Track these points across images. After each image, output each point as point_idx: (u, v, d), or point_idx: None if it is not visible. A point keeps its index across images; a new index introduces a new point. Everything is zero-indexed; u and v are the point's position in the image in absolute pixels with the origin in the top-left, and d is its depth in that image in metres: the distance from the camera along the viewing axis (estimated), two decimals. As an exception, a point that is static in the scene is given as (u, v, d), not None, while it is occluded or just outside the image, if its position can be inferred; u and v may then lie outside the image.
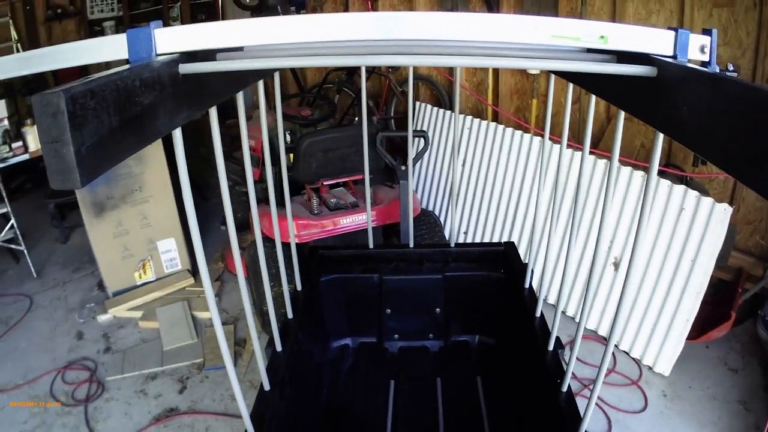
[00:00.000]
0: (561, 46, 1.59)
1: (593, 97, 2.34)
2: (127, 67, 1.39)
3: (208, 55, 1.70)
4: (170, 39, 1.55)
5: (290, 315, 3.31)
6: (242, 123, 2.34)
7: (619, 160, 5.15)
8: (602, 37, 1.51)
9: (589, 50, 1.65)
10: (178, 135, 1.66)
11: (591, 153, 5.43)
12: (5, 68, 1.67)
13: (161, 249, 6.78)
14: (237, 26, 1.56)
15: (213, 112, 1.93)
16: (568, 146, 5.49)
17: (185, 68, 1.56)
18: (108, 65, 1.57)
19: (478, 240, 6.79)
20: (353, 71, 9.40)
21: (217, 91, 1.87)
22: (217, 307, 2.04)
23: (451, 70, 7.78)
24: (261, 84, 2.54)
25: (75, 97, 1.13)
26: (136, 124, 1.36)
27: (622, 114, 2.04)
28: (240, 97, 2.23)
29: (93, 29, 13.45)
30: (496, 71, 7.33)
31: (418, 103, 7.98)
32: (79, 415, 5.09)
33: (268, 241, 4.59)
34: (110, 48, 1.56)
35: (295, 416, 3.02)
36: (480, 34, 1.50)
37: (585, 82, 2.18)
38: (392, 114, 8.93)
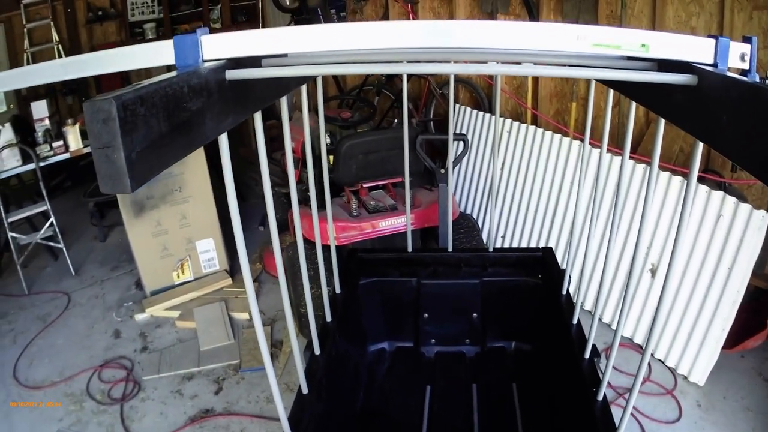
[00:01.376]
0: (602, 54, 1.59)
1: (633, 103, 2.34)
2: (174, 73, 1.40)
3: (254, 61, 1.71)
4: (217, 45, 1.56)
5: (329, 318, 3.32)
6: (285, 127, 2.35)
7: (658, 166, 5.15)
8: (643, 45, 1.50)
9: (630, 57, 1.65)
10: (224, 140, 1.68)
11: (630, 158, 5.42)
12: (54, 73, 1.68)
13: (200, 249, 6.83)
14: (282, 34, 1.57)
15: (258, 117, 1.94)
16: (607, 150, 5.47)
17: (232, 74, 1.58)
18: (149, 70, 1.59)
19: (515, 243, 6.77)
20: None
21: (261, 96, 1.89)
22: (250, 309, 2.05)
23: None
24: (304, 88, 2.56)
25: (126, 103, 1.15)
26: (184, 130, 1.37)
27: (663, 121, 2.03)
28: (284, 101, 2.25)
29: (134, 31, 13.57)
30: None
31: (457, 106, 7.97)
32: (115, 413, 5.14)
33: (308, 243, 4.61)
34: (157, 54, 1.57)
35: (332, 419, 3.02)
36: (522, 43, 1.50)
37: (625, 88, 2.17)
38: (431, 116, 8.91)
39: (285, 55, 1.78)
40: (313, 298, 3.61)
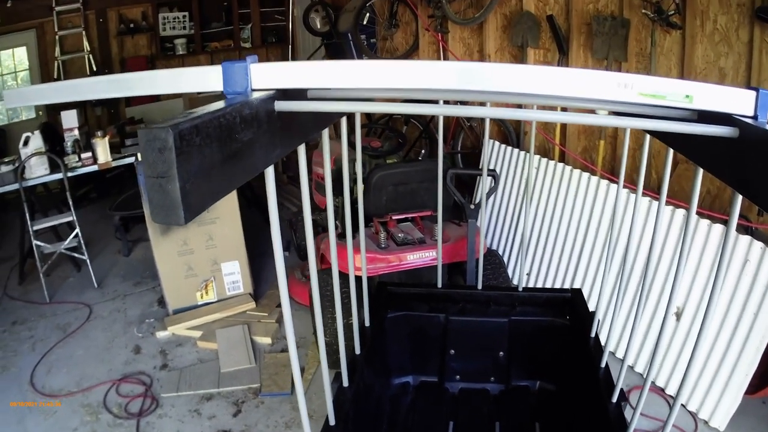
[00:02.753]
0: (645, 102, 1.59)
1: (670, 150, 2.33)
2: (222, 103, 1.39)
3: (300, 92, 1.71)
4: (266, 75, 1.56)
5: (357, 350, 3.32)
6: (326, 157, 2.34)
7: (684, 207, 5.12)
8: (687, 96, 1.50)
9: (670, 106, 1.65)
10: (270, 172, 1.68)
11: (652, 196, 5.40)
12: (103, 89, 1.70)
13: (225, 271, 6.84)
14: (329, 68, 1.57)
15: (302, 150, 1.94)
16: (626, 186, 5.43)
17: (281, 105, 1.58)
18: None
19: (540, 282, 6.72)
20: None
21: (306, 127, 1.89)
22: (280, 334, 2.05)
23: (520, 106, 7.76)
24: (344, 120, 2.57)
25: (182, 133, 1.14)
26: (236, 161, 1.37)
27: (701, 171, 2.03)
28: (325, 133, 2.25)
29: (164, 46, 13.75)
30: (564, 110, 7.31)
31: (486, 140, 7.94)
32: (131, 428, 5.14)
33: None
34: (205, 79, 1.59)
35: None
36: (565, 90, 1.50)
37: (664, 136, 2.17)
38: (459, 148, 8.91)
39: (329, 88, 1.78)
40: (335, 328, 3.60)
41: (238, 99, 1.47)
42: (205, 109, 1.30)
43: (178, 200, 1.15)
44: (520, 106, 1.95)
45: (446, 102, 2.25)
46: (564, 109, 4.93)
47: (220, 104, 1.37)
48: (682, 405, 5.13)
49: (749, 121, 1.47)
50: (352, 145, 4.21)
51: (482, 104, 2.52)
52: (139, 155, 6.42)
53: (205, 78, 1.59)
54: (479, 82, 1.51)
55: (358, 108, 1.76)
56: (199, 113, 1.25)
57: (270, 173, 1.68)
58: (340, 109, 1.77)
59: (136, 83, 1.66)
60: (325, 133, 2.23)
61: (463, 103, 3.50)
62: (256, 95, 1.53)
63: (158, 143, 1.12)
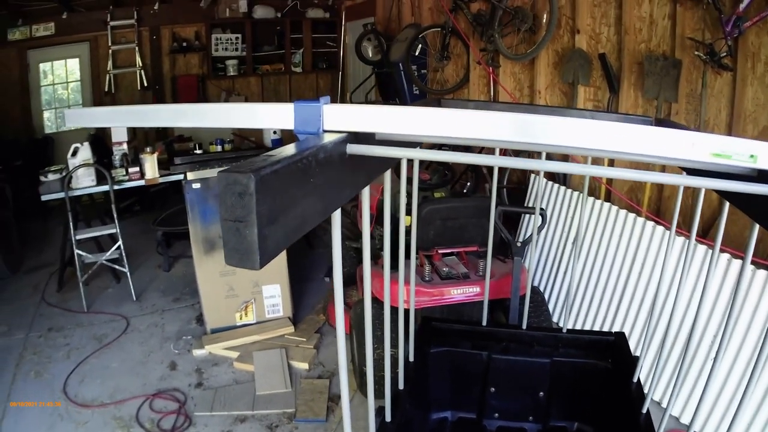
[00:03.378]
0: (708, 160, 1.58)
1: (726, 203, 2.32)
2: (301, 146, 1.39)
3: (368, 135, 1.72)
4: (338, 117, 1.58)
5: (401, 386, 3.31)
6: (387, 198, 2.34)
7: (730, 252, 5.08)
8: (752, 156, 1.50)
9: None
10: (337, 216, 1.68)
11: (701, 242, 5.36)
12: (167, 118, 1.72)
13: (265, 294, 6.87)
14: (399, 114, 1.58)
15: (366, 192, 1.95)
16: (678, 233, 5.40)
17: (353, 149, 1.59)
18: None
19: (580, 323, 6.69)
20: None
21: (372, 169, 1.90)
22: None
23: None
24: (405, 161, 2.57)
25: (264, 178, 1.15)
26: (309, 204, 1.38)
27: (757, 227, 2.02)
28: (387, 174, 2.25)
29: (216, 66, 13.90)
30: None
31: (532, 176, 7.97)
32: (162, 444, 5.15)
33: (376, 302, 4.59)
34: (278, 117, 1.61)
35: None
36: (632, 148, 1.50)
37: (721, 191, 2.17)
38: (505, 183, 8.90)
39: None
40: (377, 359, 3.59)
41: (312, 141, 1.48)
42: (282, 152, 1.31)
43: (255, 245, 1.16)
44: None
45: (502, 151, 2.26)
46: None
47: (295, 147, 1.38)
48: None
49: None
50: (408, 180, 4.25)
51: (538, 155, 2.51)
52: (188, 174, 6.45)
53: (278, 115, 1.61)
54: (544, 136, 1.51)
55: (425, 156, 1.76)
56: (278, 158, 1.26)
57: (337, 216, 1.68)
58: (407, 155, 1.77)
59: (209, 115, 1.69)
60: (388, 174, 2.24)
61: (519, 151, 3.52)
62: (327, 137, 1.54)
63: (239, 188, 1.13)
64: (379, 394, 3.05)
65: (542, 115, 1.54)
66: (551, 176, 7.96)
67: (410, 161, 3.26)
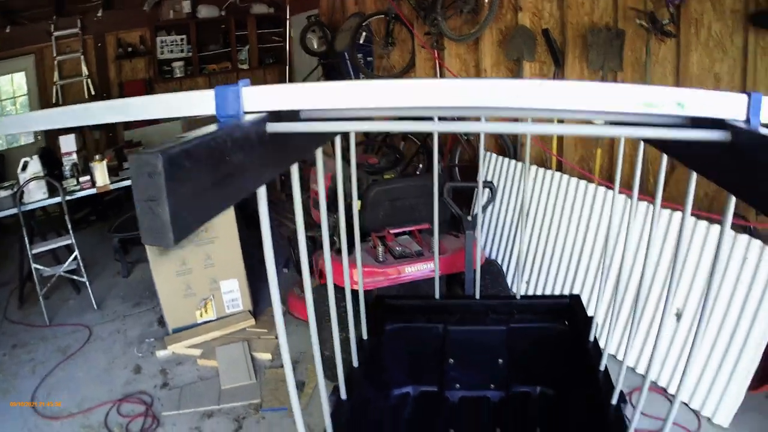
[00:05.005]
0: (636, 111, 1.59)
1: (664, 156, 2.34)
2: (216, 127, 1.41)
3: (292, 113, 1.72)
4: (257, 98, 1.57)
5: (355, 364, 3.32)
6: (320, 177, 2.35)
7: (677, 208, 5.15)
8: (680, 104, 1.51)
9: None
10: (262, 192, 1.69)
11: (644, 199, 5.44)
12: (96, 115, 1.71)
13: (223, 289, 6.86)
14: (322, 89, 1.59)
15: (294, 170, 1.95)
16: (625, 194, 5.45)
17: (272, 127, 1.58)
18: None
19: (540, 289, 6.76)
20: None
21: (298, 148, 1.90)
22: (280, 350, 2.06)
23: (516, 119, 7.79)
24: (338, 138, 2.57)
25: (172, 157, 1.16)
26: (226, 183, 1.38)
27: (695, 175, 2.04)
28: (319, 152, 2.26)
29: (162, 69, 13.83)
30: (560, 119, 7.31)
31: (482, 152, 7.97)
32: (132, 447, 5.13)
33: (333, 287, 4.61)
34: (198, 104, 1.59)
35: (356, 466, 3.02)
36: (561, 103, 1.51)
37: (657, 142, 2.18)
38: (456, 162, 8.93)
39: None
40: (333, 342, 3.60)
41: (230, 122, 1.48)
42: (196, 133, 1.32)
43: (168, 223, 1.16)
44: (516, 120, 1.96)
45: (441, 118, 2.26)
46: (561, 122, 4.97)
47: (211, 128, 1.38)
48: (685, 403, 5.15)
49: (741, 125, 1.48)
50: (348, 161, 4.25)
51: (477, 119, 2.53)
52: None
53: (199, 102, 1.59)
54: (472, 99, 1.52)
55: (350, 128, 1.77)
56: (190, 138, 1.27)
57: (262, 193, 1.69)
58: (331, 129, 1.77)
59: (132, 109, 1.67)
60: (319, 152, 2.24)
61: (459, 118, 3.53)
62: (248, 118, 1.54)
63: (148, 168, 1.14)
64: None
65: (470, 79, 1.55)
66: (501, 151, 8.01)
67: (359, 145, 3.27)
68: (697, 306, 5.04)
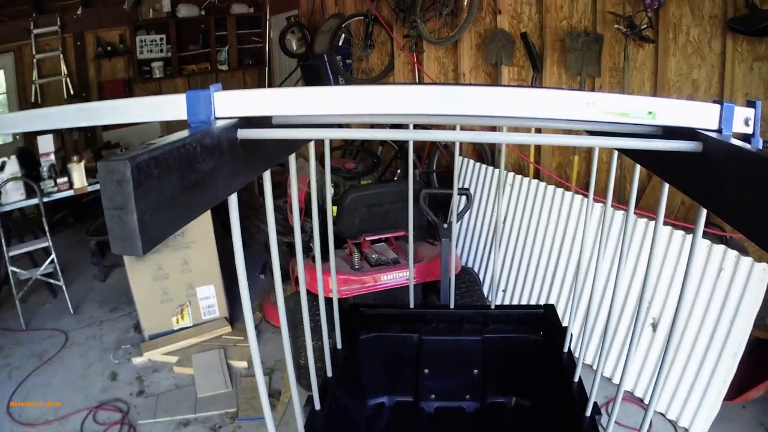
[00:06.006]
0: (610, 120, 1.59)
1: (637, 165, 2.34)
2: (187, 132, 1.40)
3: (264, 119, 1.71)
4: (229, 103, 1.56)
5: (329, 373, 3.31)
6: (293, 181, 2.35)
7: (651, 217, 5.16)
8: (650, 113, 1.51)
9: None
10: (233, 200, 1.68)
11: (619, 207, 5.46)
12: (67, 118, 1.70)
13: (200, 295, 6.82)
14: (294, 95, 1.57)
15: (267, 176, 1.94)
16: (600, 202, 5.47)
17: (243, 134, 1.58)
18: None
19: (516, 298, 6.76)
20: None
21: (271, 153, 1.89)
22: (257, 357, 2.05)
23: (494, 127, 7.80)
24: (312, 144, 2.56)
25: (140, 165, 1.15)
26: (197, 190, 1.37)
27: (667, 186, 2.04)
28: (292, 158, 2.25)
29: (141, 69, 13.79)
30: (538, 130, 7.33)
31: (460, 158, 7.97)
32: (109, 457, 5.08)
33: (308, 294, 4.58)
34: (170, 108, 1.58)
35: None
36: (532, 111, 1.51)
37: (630, 153, 2.18)
38: (434, 168, 8.93)
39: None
40: (313, 350, 3.59)
41: (201, 128, 1.46)
42: (165, 139, 1.31)
43: (136, 232, 1.16)
44: (494, 129, 1.96)
45: (417, 126, 2.26)
46: (539, 131, 4.97)
47: (181, 134, 1.37)
48: (661, 414, 5.16)
49: (713, 135, 1.49)
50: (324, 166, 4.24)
51: (453, 128, 2.53)
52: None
53: (171, 107, 1.58)
54: (445, 106, 1.52)
55: (322, 135, 1.76)
56: (159, 144, 1.26)
57: (233, 201, 1.68)
58: (303, 136, 1.77)
59: (103, 112, 1.66)
60: (292, 158, 2.23)
61: (434, 126, 3.53)
62: (219, 123, 1.53)
63: (116, 175, 1.13)
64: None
65: (445, 85, 1.54)
66: (479, 157, 8.02)
67: (331, 150, 3.25)
68: (671, 318, 5.06)
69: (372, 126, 2.10)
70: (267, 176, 1.95)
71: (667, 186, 2.05)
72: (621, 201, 6.03)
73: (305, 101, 1.58)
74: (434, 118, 1.73)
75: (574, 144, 1.70)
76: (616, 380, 5.53)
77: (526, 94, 1.51)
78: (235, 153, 1.57)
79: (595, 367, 5.17)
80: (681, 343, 5.00)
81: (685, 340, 5.00)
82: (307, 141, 2.46)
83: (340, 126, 1.83)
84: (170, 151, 1.27)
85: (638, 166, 2.39)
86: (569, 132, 3.59)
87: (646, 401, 5.23)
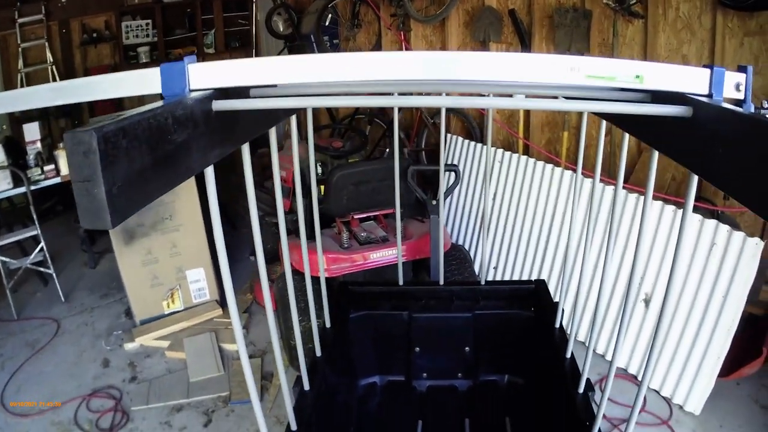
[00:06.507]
0: (596, 85, 1.56)
1: (626, 134, 2.30)
2: (160, 103, 1.36)
3: (242, 91, 1.68)
4: (204, 75, 1.53)
5: (318, 353, 3.27)
6: (274, 157, 2.32)
7: (641, 192, 5.13)
8: (638, 76, 1.48)
9: (624, 88, 1.62)
10: (210, 173, 1.64)
11: (622, 187, 5.40)
12: (41, 98, 1.66)
13: (190, 278, 6.79)
14: (271, 63, 1.53)
15: (245, 149, 1.91)
16: (600, 180, 5.43)
17: (219, 105, 1.54)
18: (141, 97, 1.56)
19: (508, 275, 6.73)
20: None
21: (249, 127, 1.85)
22: (244, 340, 2.02)
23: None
24: (294, 118, 2.53)
25: (107, 135, 1.11)
26: (169, 163, 1.33)
27: (656, 153, 2.00)
28: (272, 132, 2.21)
29: (128, 54, 13.68)
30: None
31: (449, 136, 7.96)
32: (103, 444, 5.05)
33: (297, 274, 4.54)
34: (144, 82, 1.55)
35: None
36: (517, 75, 1.47)
37: (619, 120, 2.14)
38: (423, 146, 8.90)
39: (274, 85, 1.74)
40: (303, 330, 3.57)
41: (173, 100, 1.43)
42: (135, 111, 1.27)
43: (104, 204, 1.12)
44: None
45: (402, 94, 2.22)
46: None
47: (152, 105, 1.33)
48: (656, 391, 5.16)
49: (703, 99, 1.45)
50: (316, 147, 4.19)
51: (438, 95, 2.49)
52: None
53: (145, 81, 1.55)
54: (431, 71, 1.49)
55: (300, 104, 1.72)
56: (127, 115, 1.22)
57: (209, 174, 1.64)
58: (280, 105, 1.74)
59: (79, 90, 1.62)
60: (272, 132, 2.19)
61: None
62: (193, 95, 1.49)
63: (83, 147, 1.09)
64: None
65: (430, 52, 1.51)
66: (468, 135, 7.98)
67: (319, 129, 3.22)
68: (665, 291, 5.01)
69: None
70: (246, 150, 1.91)
71: (656, 155, 2.01)
72: (611, 177, 5.99)
73: (283, 70, 1.54)
74: (419, 84, 1.69)
75: (560, 109, 1.67)
76: (608, 357, 5.50)
77: (511, 58, 1.47)
78: (210, 125, 1.53)
79: (587, 344, 5.19)
80: (674, 319, 4.99)
81: (678, 317, 4.99)
82: (286, 113, 2.41)
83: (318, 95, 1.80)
84: (139, 122, 1.23)
85: (627, 138, 2.36)
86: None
87: (640, 378, 5.20)
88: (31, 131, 7.95)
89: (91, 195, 1.12)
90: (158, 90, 1.52)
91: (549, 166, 6.35)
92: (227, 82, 1.55)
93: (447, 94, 2.16)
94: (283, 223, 2.52)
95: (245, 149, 1.90)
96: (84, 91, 1.62)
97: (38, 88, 1.65)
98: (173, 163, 1.36)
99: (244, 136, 1.83)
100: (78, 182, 1.12)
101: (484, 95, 1.99)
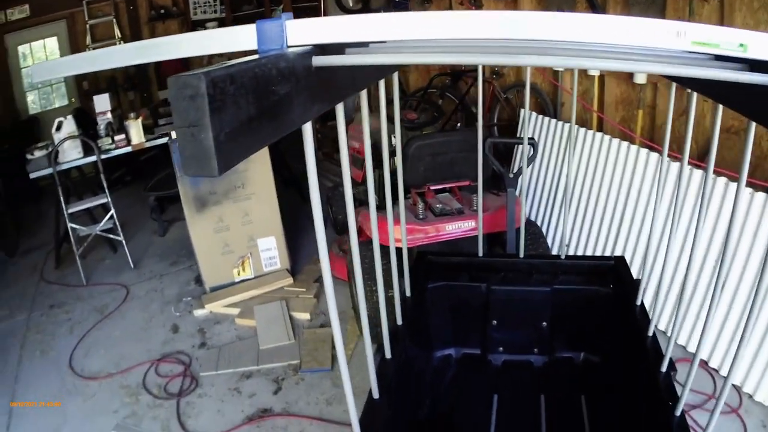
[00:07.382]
0: (686, 53, 1.50)
1: (720, 108, 2.23)
2: (257, 56, 1.33)
3: (338, 48, 1.65)
4: (302, 31, 1.50)
5: (399, 322, 3.25)
6: (341, 127, 2.28)
7: (730, 176, 5.00)
8: (742, 45, 1.42)
9: (718, 57, 1.55)
10: (308, 128, 1.61)
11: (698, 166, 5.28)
12: (128, 56, 1.64)
13: (261, 247, 6.82)
14: (366, 21, 1.51)
15: (339, 109, 1.88)
16: (674, 158, 5.31)
17: (318, 60, 1.51)
18: (210, 61, 1.54)
19: (580, 252, 6.66)
20: (458, 77, 9.33)
21: (343, 87, 1.83)
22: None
23: (556, 77, 7.67)
24: (364, 93, 2.49)
25: (216, 80, 1.07)
26: (272, 114, 1.30)
27: (753, 125, 1.94)
28: (364, 95, 2.19)
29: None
30: (601, 79, 7.18)
31: (522, 111, 7.86)
32: (171, 408, 5.16)
33: (370, 244, 4.53)
34: (238, 38, 1.52)
35: (398, 426, 2.95)
36: (616, 38, 1.41)
37: (712, 91, 2.08)
38: (495, 120, 8.83)
39: (366, 45, 1.73)
40: (375, 300, 3.55)
41: (275, 52, 1.40)
42: (238, 60, 1.23)
43: (212, 150, 1.08)
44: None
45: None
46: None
47: (255, 56, 1.30)
48: (725, 378, 5.04)
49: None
50: (390, 119, 4.16)
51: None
52: (172, 133, 6.38)
53: (237, 38, 1.52)
54: (523, 32, 1.43)
55: (394, 60, 1.69)
56: (234, 62, 1.19)
57: (308, 129, 1.61)
58: (377, 61, 1.70)
59: (163, 47, 1.60)
60: (364, 95, 2.17)
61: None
62: (292, 50, 1.46)
63: (189, 90, 1.06)
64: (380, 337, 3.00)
65: (519, 11, 1.46)
66: (542, 111, 7.89)
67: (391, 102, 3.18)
68: (752, 285, 4.86)
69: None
70: (339, 109, 1.89)
71: (753, 126, 1.95)
72: (692, 156, 5.88)
73: (378, 27, 1.50)
74: (512, 43, 1.65)
75: (660, 72, 1.60)
76: (680, 340, 5.36)
77: (611, 20, 1.41)
78: (310, 81, 1.50)
79: (672, 323, 5.09)
80: (747, 307, 4.85)
81: (765, 308, 4.83)
82: (378, 75, 2.38)
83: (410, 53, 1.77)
84: (246, 70, 1.19)
85: (720, 112, 2.29)
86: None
87: (710, 363, 5.09)
88: (102, 102, 8.04)
89: (197, 140, 1.08)
90: (252, 46, 1.50)
91: (624, 143, 6.24)
92: (325, 38, 1.51)
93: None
94: (350, 194, 2.48)
95: (339, 108, 1.87)
96: (173, 49, 1.60)
97: (125, 46, 1.64)
98: (276, 115, 1.33)
99: (338, 95, 1.80)
100: (183, 128, 1.08)
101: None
